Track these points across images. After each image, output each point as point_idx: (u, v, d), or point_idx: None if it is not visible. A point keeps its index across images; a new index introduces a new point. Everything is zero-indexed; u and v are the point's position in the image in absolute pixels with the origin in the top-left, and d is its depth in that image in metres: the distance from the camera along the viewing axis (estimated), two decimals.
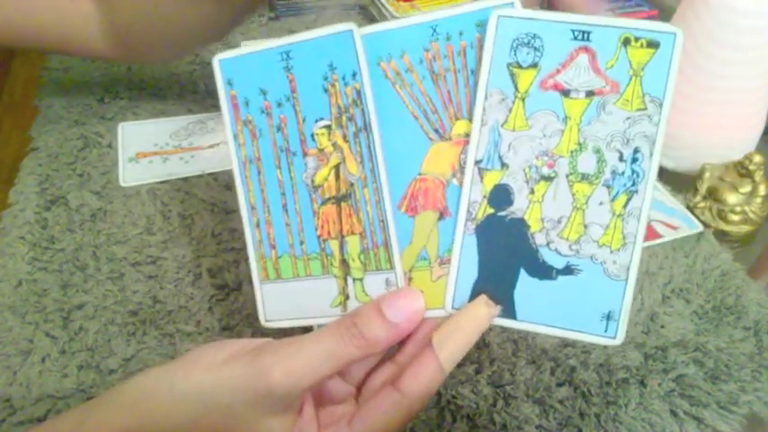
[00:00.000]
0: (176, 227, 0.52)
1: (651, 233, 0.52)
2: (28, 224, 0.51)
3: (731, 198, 0.53)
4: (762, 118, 0.57)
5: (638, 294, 0.47)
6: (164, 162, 0.58)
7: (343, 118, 0.34)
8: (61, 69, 0.70)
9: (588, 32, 0.31)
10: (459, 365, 0.42)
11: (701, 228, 0.52)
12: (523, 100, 0.32)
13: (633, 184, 0.31)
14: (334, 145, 0.34)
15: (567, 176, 0.32)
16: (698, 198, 0.54)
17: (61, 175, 0.56)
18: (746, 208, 0.53)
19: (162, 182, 0.56)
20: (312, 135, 0.35)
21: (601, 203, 0.32)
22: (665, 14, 0.67)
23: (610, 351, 0.43)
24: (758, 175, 0.53)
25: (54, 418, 0.32)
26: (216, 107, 0.64)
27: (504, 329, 0.44)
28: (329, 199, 0.35)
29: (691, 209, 0.54)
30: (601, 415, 0.39)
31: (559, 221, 0.32)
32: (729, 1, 0.50)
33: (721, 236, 0.53)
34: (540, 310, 0.32)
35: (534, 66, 0.32)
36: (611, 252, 0.32)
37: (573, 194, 0.32)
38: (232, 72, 0.35)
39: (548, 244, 0.32)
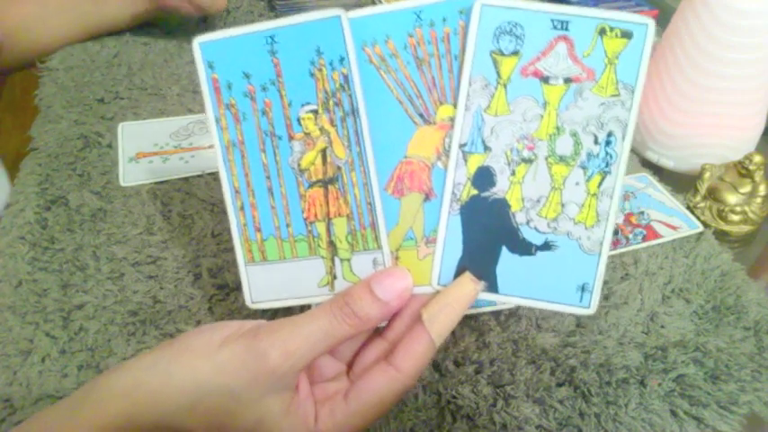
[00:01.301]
0: (176, 227, 0.52)
1: (651, 233, 0.52)
2: (28, 224, 0.51)
3: (731, 198, 0.53)
4: (762, 118, 0.57)
5: (638, 294, 0.47)
6: (164, 162, 0.58)
7: (330, 103, 0.34)
8: (61, 69, 0.70)
9: (567, 22, 0.33)
10: (459, 365, 0.42)
11: (701, 228, 0.52)
12: (505, 86, 0.34)
13: (607, 166, 0.33)
14: (321, 129, 0.35)
15: (546, 159, 0.34)
16: (698, 198, 0.54)
17: (61, 175, 0.56)
18: (746, 208, 0.53)
19: (162, 182, 0.56)
20: (298, 119, 0.35)
21: (577, 184, 0.34)
22: (666, 14, 0.67)
23: (610, 351, 0.43)
24: (758, 175, 0.53)
25: (49, 407, 0.32)
26: None
27: (504, 329, 0.44)
28: (316, 182, 0.35)
29: (691, 209, 0.54)
30: (601, 415, 0.39)
31: (538, 201, 0.34)
32: (729, 1, 0.50)
33: (721, 236, 0.53)
34: (521, 284, 0.34)
35: (516, 53, 0.33)
36: (586, 228, 0.34)
37: (551, 176, 0.34)
38: (213, 55, 0.35)
39: (528, 222, 0.34)
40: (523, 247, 0.34)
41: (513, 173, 0.34)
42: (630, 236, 0.51)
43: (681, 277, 0.48)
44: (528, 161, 0.34)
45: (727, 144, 0.56)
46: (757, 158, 0.53)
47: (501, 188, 0.34)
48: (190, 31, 0.78)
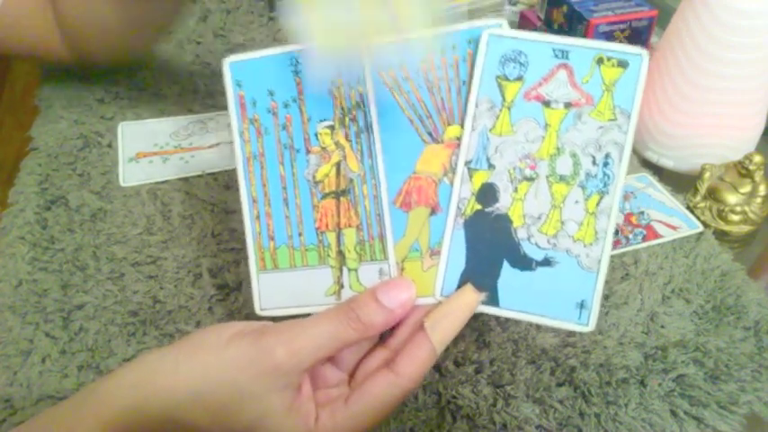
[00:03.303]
0: (176, 227, 0.52)
1: (651, 233, 0.52)
2: (28, 224, 0.51)
3: (731, 198, 0.53)
4: (762, 118, 0.57)
5: (638, 294, 0.47)
6: (164, 162, 0.58)
7: (346, 119, 0.37)
8: (61, 69, 0.70)
9: (567, 51, 0.35)
10: (459, 365, 0.42)
11: (701, 228, 0.52)
12: (509, 108, 0.36)
13: (604, 186, 0.35)
14: (337, 144, 0.37)
15: (547, 177, 0.35)
16: (698, 198, 0.54)
17: (61, 175, 0.56)
18: (746, 208, 0.53)
19: (162, 182, 0.56)
20: (316, 134, 0.37)
21: (576, 202, 0.35)
22: (666, 14, 0.67)
23: (610, 351, 0.43)
24: (758, 175, 0.53)
25: (59, 404, 0.33)
26: (216, 107, 0.65)
27: (504, 329, 0.44)
28: (329, 194, 0.37)
29: (691, 209, 0.54)
30: (601, 415, 0.40)
31: (539, 218, 0.35)
32: (729, 1, 0.50)
33: (721, 236, 0.53)
34: (521, 299, 0.35)
35: (520, 79, 0.36)
36: (585, 246, 0.35)
37: (552, 194, 0.35)
38: (241, 74, 0.37)
39: (528, 238, 0.35)
40: (524, 262, 0.35)
41: (516, 190, 0.36)
42: (630, 236, 0.51)
43: (681, 277, 0.48)
44: (530, 179, 0.35)
45: (727, 144, 0.56)
46: (757, 158, 0.53)
47: (504, 204, 0.36)
48: (189, 30, 0.78)
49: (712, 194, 0.54)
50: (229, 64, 0.37)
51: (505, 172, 0.36)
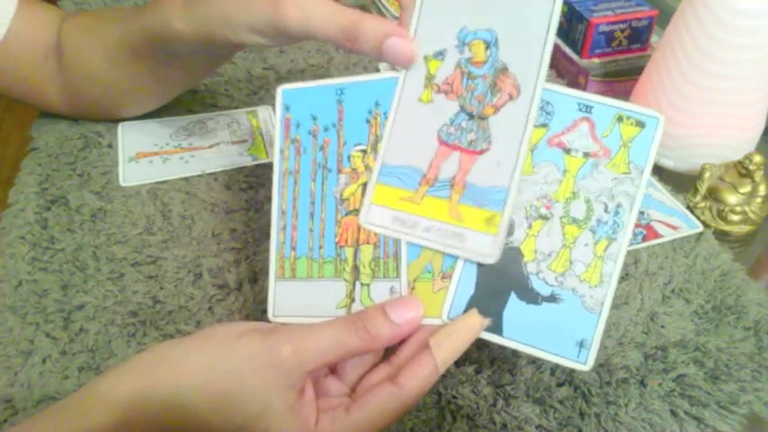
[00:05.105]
0: (176, 227, 0.52)
1: (651, 233, 0.52)
2: (28, 224, 0.51)
3: (731, 198, 0.53)
4: (762, 118, 0.57)
5: (638, 294, 0.47)
6: (164, 162, 0.58)
7: (379, 145, 0.39)
8: None
9: (591, 107, 0.37)
10: (459, 365, 0.42)
11: (701, 228, 0.52)
12: (532, 151, 0.38)
13: (614, 233, 0.37)
14: (366, 166, 0.39)
15: (561, 219, 0.37)
16: (698, 198, 0.54)
17: (61, 175, 0.56)
18: (746, 208, 0.53)
19: (162, 182, 0.56)
20: (349, 156, 0.39)
21: (586, 245, 0.37)
22: (665, 14, 0.67)
23: (610, 351, 0.43)
24: (758, 175, 0.53)
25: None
26: (216, 107, 0.65)
27: None
28: (353, 211, 0.39)
29: (691, 209, 0.54)
30: (601, 415, 0.40)
31: (550, 255, 0.37)
32: (729, 1, 0.50)
33: (721, 236, 0.53)
34: (524, 331, 0.36)
35: (544, 126, 0.38)
36: (590, 287, 0.36)
37: (563, 234, 0.37)
38: (291, 100, 0.41)
39: (537, 273, 0.37)
40: (531, 296, 0.37)
41: (530, 226, 0.37)
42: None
43: (681, 277, 0.48)
44: (544, 218, 0.37)
45: (727, 144, 0.56)
46: (757, 158, 0.53)
47: (517, 238, 0.37)
48: None
49: (712, 194, 0.54)
50: (283, 90, 0.41)
51: (522, 208, 0.37)
